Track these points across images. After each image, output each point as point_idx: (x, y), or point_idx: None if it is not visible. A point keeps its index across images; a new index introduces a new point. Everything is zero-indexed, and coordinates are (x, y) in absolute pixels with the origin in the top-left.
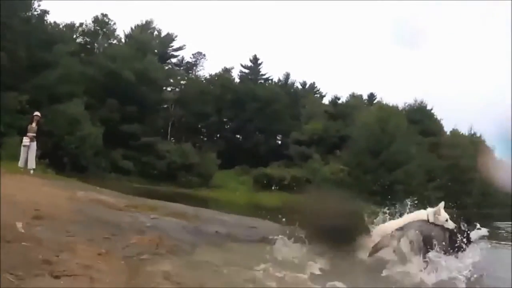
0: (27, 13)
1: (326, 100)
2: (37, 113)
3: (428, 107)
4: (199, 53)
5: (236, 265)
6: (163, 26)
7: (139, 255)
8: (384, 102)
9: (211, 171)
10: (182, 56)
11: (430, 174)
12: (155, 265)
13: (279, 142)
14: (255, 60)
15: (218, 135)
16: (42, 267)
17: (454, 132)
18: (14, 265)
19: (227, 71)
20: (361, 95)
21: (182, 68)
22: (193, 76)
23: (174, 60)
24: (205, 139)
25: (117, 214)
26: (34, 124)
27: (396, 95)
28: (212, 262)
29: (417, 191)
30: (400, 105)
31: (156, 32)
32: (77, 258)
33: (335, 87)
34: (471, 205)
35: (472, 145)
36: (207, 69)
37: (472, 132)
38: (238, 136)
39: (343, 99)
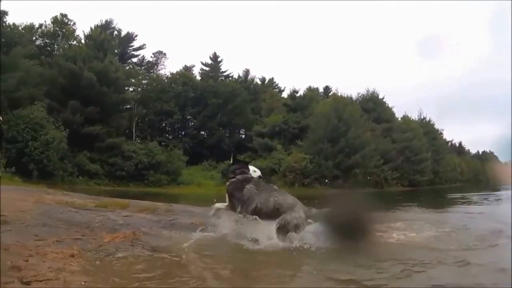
0: None
1: (284, 94)
2: None
3: (380, 96)
4: (160, 52)
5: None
6: (123, 26)
7: (113, 254)
8: (339, 94)
9: (179, 168)
10: (143, 55)
11: (385, 157)
12: (132, 263)
13: (242, 136)
14: (215, 57)
15: (182, 133)
16: (11, 274)
17: (405, 118)
18: None
19: (188, 69)
20: (317, 88)
21: (143, 67)
22: (154, 75)
23: (134, 59)
24: (170, 137)
25: (87, 214)
26: None
27: (350, 86)
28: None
29: (375, 172)
30: (354, 96)
31: (116, 32)
32: (48, 262)
33: (292, 81)
34: (424, 182)
35: (422, 128)
36: (168, 68)
37: (422, 117)
38: (202, 132)
39: (300, 92)
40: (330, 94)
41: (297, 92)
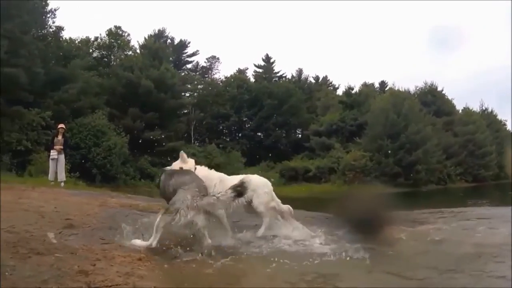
0: (42, 31)
1: (339, 91)
2: (61, 125)
3: (439, 89)
4: (213, 57)
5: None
6: (176, 34)
7: (181, 257)
8: (395, 88)
9: (238, 169)
10: (197, 61)
11: (448, 151)
12: (200, 267)
13: (299, 135)
14: (267, 59)
15: (239, 135)
16: (78, 279)
17: (466, 110)
18: (47, 279)
19: (241, 72)
20: (372, 84)
21: (198, 73)
22: (209, 79)
23: (189, 66)
24: (228, 139)
25: (152, 217)
26: (60, 137)
27: (406, 80)
28: (260, 257)
29: (437, 169)
30: (412, 89)
31: (169, 40)
32: (115, 266)
33: (346, 78)
34: (489, 177)
35: (484, 120)
36: (222, 72)
37: (483, 108)
38: (259, 133)
39: (356, 88)
40: (386, 89)
41: (352, 89)
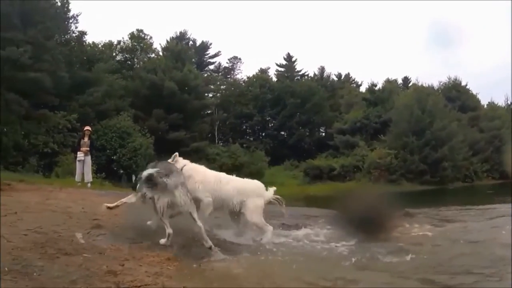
0: (66, 36)
1: (362, 88)
2: (88, 127)
3: (463, 83)
4: (235, 58)
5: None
6: (197, 36)
7: (208, 257)
8: (419, 84)
9: (262, 168)
10: (219, 62)
11: (474, 148)
12: (229, 266)
13: (323, 134)
14: (289, 58)
15: (263, 134)
16: (107, 279)
17: (491, 105)
18: (75, 279)
19: (263, 71)
20: (395, 80)
21: (220, 73)
22: (231, 80)
23: (211, 67)
24: (251, 139)
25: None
26: (86, 139)
27: (429, 75)
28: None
29: (464, 165)
30: (435, 85)
31: (191, 42)
32: (144, 266)
33: (369, 74)
34: None
35: (510, 114)
36: (244, 72)
37: (509, 103)
38: (282, 132)
39: (379, 85)
40: (409, 84)
41: (375, 85)
